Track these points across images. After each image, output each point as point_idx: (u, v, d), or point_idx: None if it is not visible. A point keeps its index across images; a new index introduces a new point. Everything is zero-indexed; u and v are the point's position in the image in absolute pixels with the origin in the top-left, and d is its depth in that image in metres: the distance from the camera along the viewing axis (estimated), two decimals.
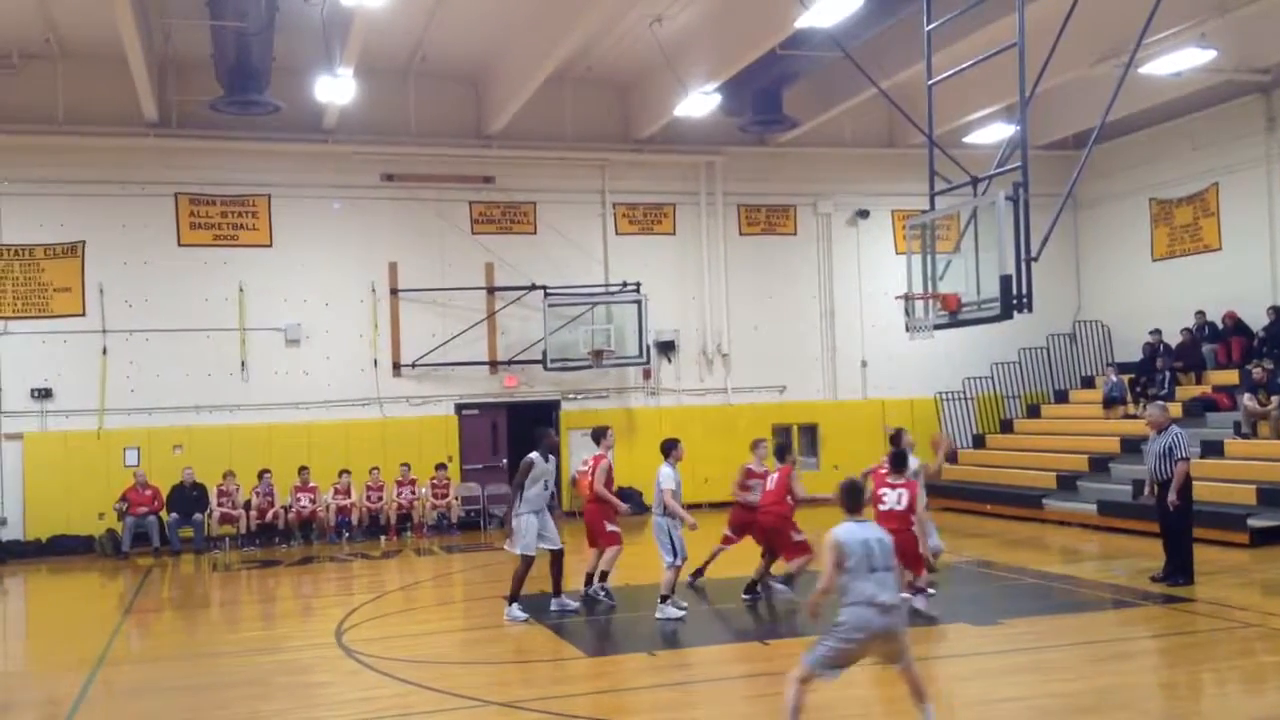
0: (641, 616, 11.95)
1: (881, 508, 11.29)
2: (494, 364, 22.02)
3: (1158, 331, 22.06)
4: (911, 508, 11.45)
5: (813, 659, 7.06)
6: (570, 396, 22.39)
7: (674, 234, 23.27)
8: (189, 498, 19.23)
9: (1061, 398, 23.96)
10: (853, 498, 7.36)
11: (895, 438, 13.14)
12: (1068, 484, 19.63)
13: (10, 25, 18.32)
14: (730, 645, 10.86)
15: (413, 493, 20.40)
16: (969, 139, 21.11)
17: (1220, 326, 21.17)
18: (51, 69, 19.61)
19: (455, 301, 21.73)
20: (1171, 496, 12.66)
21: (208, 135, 20.27)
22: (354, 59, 17.28)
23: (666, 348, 23.00)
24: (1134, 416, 20.67)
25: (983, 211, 12.56)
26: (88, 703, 9.48)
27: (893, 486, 11.47)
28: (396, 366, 21.51)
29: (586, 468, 12.69)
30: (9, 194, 19.79)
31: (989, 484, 21.28)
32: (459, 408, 21.92)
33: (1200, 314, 21.53)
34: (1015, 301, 11.72)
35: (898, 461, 11.75)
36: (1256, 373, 18.30)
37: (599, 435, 12.81)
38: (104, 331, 20.06)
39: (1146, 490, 13.51)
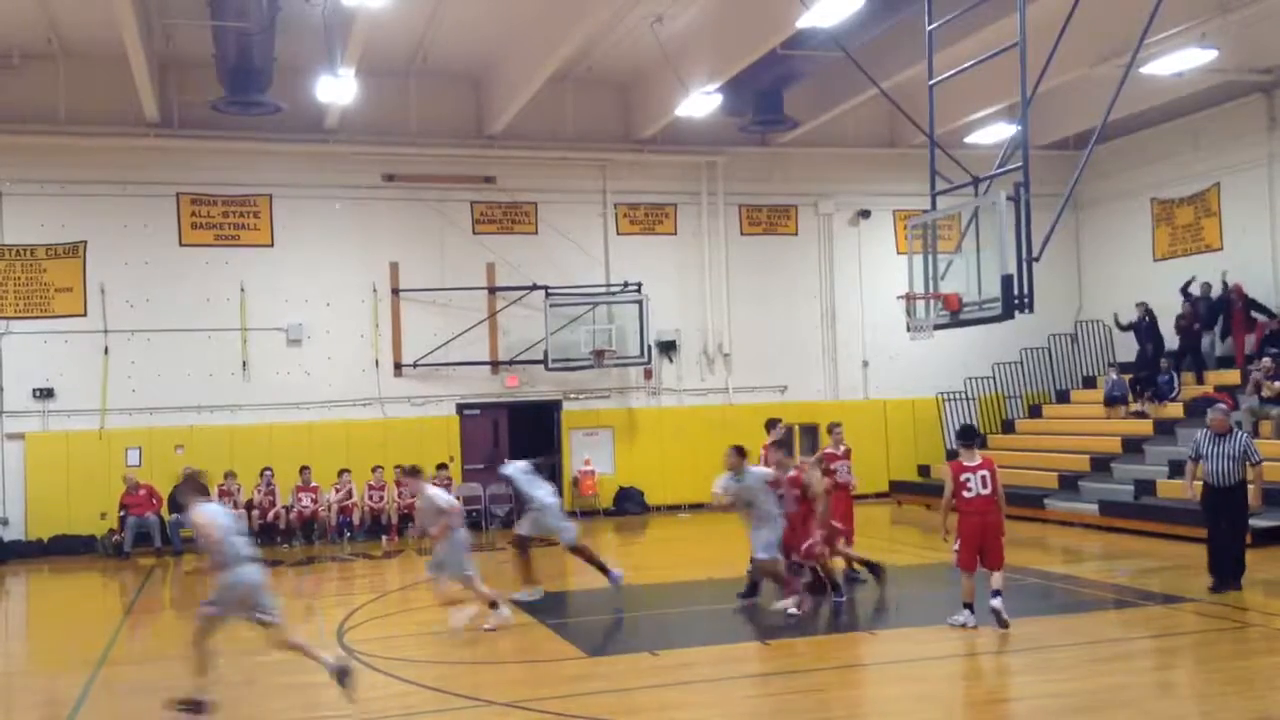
0: (643, 616, 11.95)
1: (967, 495, 10.39)
2: (495, 364, 22.02)
3: (1144, 304, 21.66)
4: (995, 488, 10.42)
5: None
6: (571, 396, 22.38)
7: (675, 234, 23.26)
8: None
9: (1063, 398, 23.94)
10: None
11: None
12: (1069, 484, 19.60)
13: (11, 25, 18.32)
14: (731, 645, 10.85)
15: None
16: (970, 139, 21.10)
17: (1228, 300, 20.80)
18: (53, 69, 19.61)
19: (456, 301, 21.72)
20: (1257, 501, 12.33)
21: (209, 135, 20.26)
22: (355, 59, 17.29)
23: (668, 348, 22.98)
24: (1139, 414, 20.67)
25: (984, 211, 12.54)
26: (89, 702, 9.50)
27: (974, 469, 10.48)
28: (398, 366, 21.51)
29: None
30: (10, 194, 19.81)
31: None
32: (460, 408, 21.91)
33: (1207, 284, 21.23)
34: (1016, 301, 11.70)
35: (967, 436, 10.88)
36: (1266, 362, 18.27)
37: (771, 425, 13.58)
38: (105, 331, 20.07)
39: (1191, 490, 12.79)
